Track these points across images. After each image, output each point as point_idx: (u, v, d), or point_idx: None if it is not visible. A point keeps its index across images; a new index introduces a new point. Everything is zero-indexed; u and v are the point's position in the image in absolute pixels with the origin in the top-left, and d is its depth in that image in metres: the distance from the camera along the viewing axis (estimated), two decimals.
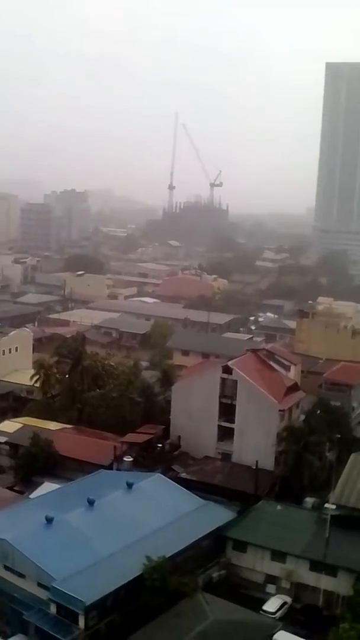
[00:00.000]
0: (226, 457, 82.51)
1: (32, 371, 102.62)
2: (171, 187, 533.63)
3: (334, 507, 64.44)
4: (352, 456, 73.19)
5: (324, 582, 60.09)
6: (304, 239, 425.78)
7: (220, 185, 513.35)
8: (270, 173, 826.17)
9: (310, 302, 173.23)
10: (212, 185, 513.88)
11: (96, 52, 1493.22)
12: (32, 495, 70.95)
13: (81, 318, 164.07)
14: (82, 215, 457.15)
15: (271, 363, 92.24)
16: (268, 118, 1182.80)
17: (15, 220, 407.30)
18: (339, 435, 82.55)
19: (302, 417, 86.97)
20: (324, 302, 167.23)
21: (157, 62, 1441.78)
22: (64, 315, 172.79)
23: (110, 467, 76.67)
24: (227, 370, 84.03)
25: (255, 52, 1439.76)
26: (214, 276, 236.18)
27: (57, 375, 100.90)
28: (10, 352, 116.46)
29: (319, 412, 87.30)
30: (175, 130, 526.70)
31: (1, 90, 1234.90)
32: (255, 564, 63.46)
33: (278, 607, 58.81)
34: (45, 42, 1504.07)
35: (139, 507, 64.64)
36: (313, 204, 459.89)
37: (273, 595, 60.98)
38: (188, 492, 69.10)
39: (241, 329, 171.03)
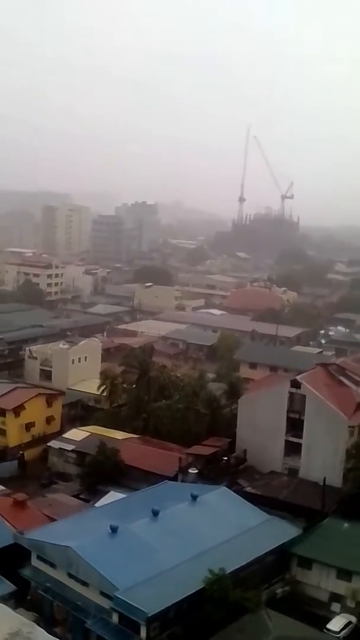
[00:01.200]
0: (293, 472, 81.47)
1: (100, 381, 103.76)
2: (241, 199, 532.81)
3: None
4: None
5: None
6: None
7: (291, 197, 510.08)
8: (342, 184, 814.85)
9: None
10: (284, 197, 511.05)
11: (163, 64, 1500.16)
12: (98, 504, 71.53)
13: (149, 329, 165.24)
14: (152, 227, 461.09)
15: (341, 378, 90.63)
16: (339, 124, 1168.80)
17: (86, 232, 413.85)
18: None
19: None
20: None
21: (226, 71, 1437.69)
22: (132, 326, 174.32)
23: (175, 479, 76.62)
24: (295, 384, 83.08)
25: (327, 56, 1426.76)
26: (283, 288, 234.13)
27: (124, 385, 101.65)
28: (79, 361, 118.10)
29: None
30: (246, 142, 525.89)
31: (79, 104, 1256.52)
32: (321, 582, 62.27)
33: (342, 626, 57.49)
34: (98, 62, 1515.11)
35: (203, 519, 64.23)
36: None
37: (337, 614, 59.68)
38: (253, 506, 68.38)
39: (311, 342, 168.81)
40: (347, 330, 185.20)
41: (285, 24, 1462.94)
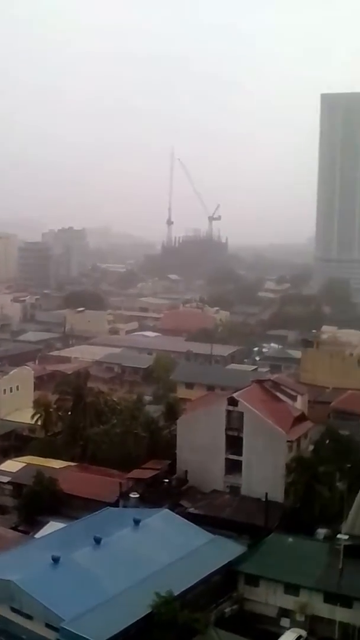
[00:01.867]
0: (235, 490, 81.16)
1: (34, 410, 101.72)
2: (169, 222, 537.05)
3: (346, 537, 63.21)
4: None
5: (340, 614, 58.56)
6: (306, 269, 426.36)
7: (219, 218, 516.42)
8: (269, 204, 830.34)
9: (314, 331, 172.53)
10: (211, 218, 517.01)
11: (88, 89, 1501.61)
12: (37, 535, 69.83)
13: (82, 354, 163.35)
14: (80, 252, 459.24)
15: (277, 394, 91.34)
16: (266, 149, 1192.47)
17: (13, 259, 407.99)
18: (350, 465, 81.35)
19: (311, 447, 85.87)
20: (328, 331, 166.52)
21: (148, 92, 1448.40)
22: (64, 352, 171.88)
23: (116, 505, 75.44)
24: (232, 402, 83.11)
25: (253, 81, 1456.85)
26: (215, 308, 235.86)
27: (59, 413, 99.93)
28: (11, 390, 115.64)
29: (327, 441, 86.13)
30: (171, 165, 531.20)
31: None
32: (268, 598, 61.99)
33: None
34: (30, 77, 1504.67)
35: (147, 543, 63.39)
36: (313, 234, 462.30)
37: (287, 629, 59.46)
38: (197, 527, 67.86)
39: (245, 360, 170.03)
40: (280, 346, 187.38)
41: (199, 45, 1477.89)
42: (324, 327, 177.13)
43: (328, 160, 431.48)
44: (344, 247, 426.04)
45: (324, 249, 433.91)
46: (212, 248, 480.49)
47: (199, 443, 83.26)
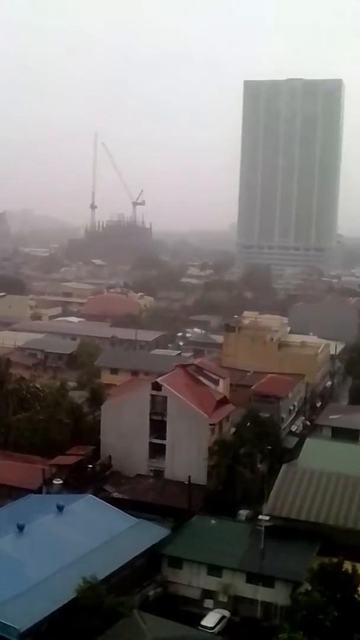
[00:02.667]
0: (158, 474, 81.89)
1: None
2: (93, 207, 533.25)
3: (267, 518, 64.63)
4: (284, 467, 73.67)
5: (262, 594, 59.99)
6: (228, 255, 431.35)
7: (142, 203, 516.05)
8: (192, 190, 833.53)
9: (236, 316, 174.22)
10: (135, 203, 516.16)
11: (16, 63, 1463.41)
12: None
13: (3, 340, 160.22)
14: (1, 237, 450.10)
15: (200, 378, 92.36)
16: (190, 135, 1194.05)
17: None
18: (270, 447, 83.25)
19: (233, 430, 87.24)
20: (249, 316, 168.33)
21: (68, 74, 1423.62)
22: None
23: (39, 491, 74.77)
24: (156, 386, 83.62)
25: (175, 70, 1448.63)
26: (140, 294, 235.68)
27: None
28: None
29: (248, 424, 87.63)
30: (95, 149, 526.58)
31: None
32: (192, 580, 62.85)
33: (217, 621, 58.26)
34: None
35: (71, 529, 63.14)
36: (235, 221, 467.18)
37: (211, 610, 60.45)
38: (120, 511, 68.00)
39: (169, 345, 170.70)
40: (203, 331, 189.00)
41: (124, 23, 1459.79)
42: (246, 313, 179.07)
43: (250, 147, 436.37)
44: (265, 234, 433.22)
45: (245, 235, 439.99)
46: (136, 233, 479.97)
47: (123, 428, 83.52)
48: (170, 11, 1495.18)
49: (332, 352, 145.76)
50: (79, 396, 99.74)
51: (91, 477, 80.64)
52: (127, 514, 67.46)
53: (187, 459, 79.48)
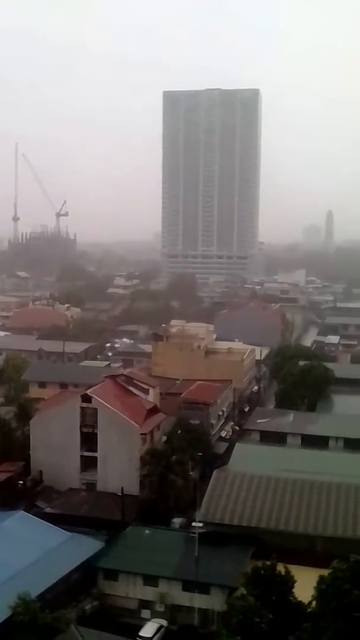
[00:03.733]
0: (91, 486, 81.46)
1: None
2: (15, 218, 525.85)
3: (201, 525, 64.99)
4: (215, 472, 74.45)
5: (198, 601, 60.35)
6: (153, 265, 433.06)
7: (66, 214, 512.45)
8: (116, 201, 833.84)
9: (163, 325, 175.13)
10: (58, 215, 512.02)
11: None
12: None
13: None
14: None
15: (130, 388, 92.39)
16: (113, 146, 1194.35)
17: None
18: (201, 453, 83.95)
19: (164, 438, 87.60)
20: (176, 325, 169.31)
21: None
22: None
23: None
24: (86, 398, 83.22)
25: (100, 79, 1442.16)
26: (66, 305, 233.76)
27: None
28: None
29: (179, 432, 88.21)
30: (16, 161, 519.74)
31: None
32: (128, 591, 62.70)
33: (154, 631, 58.30)
34: None
35: (3, 547, 62.04)
36: (159, 230, 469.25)
37: (148, 620, 60.44)
38: (53, 526, 67.17)
39: (98, 356, 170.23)
40: (132, 341, 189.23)
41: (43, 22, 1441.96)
42: (173, 321, 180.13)
43: (171, 156, 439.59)
44: (189, 243, 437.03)
45: (169, 245, 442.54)
46: (60, 244, 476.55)
47: (53, 442, 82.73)
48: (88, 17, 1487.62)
49: (258, 357, 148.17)
50: (6, 412, 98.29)
51: (22, 493, 79.56)
52: (61, 529, 66.73)
53: (120, 470, 79.36)
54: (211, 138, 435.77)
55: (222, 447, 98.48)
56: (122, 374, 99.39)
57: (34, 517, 69.24)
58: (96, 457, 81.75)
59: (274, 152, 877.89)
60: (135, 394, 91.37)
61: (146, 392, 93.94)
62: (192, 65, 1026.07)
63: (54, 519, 69.38)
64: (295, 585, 51.06)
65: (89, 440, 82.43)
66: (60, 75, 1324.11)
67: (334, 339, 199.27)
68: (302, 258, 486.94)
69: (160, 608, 61.44)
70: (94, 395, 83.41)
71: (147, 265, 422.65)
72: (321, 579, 48.30)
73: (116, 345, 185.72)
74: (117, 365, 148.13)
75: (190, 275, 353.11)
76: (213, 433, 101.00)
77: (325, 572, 49.34)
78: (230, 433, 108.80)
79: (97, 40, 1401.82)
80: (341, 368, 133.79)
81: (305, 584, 49.87)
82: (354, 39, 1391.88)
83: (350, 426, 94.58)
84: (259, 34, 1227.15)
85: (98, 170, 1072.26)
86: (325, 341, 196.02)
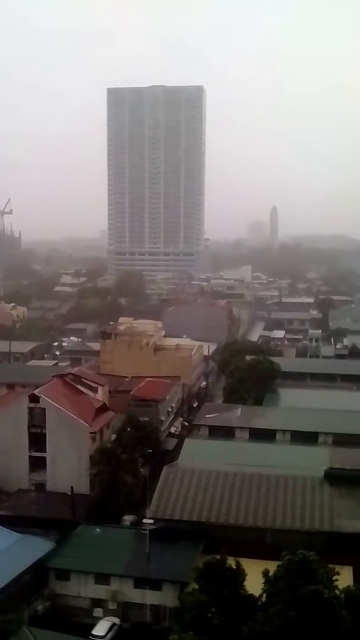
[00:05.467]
0: (40, 487, 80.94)
1: None
2: None
3: (151, 521, 65.27)
4: (165, 469, 74.73)
5: (150, 598, 60.58)
6: (100, 262, 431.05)
7: (10, 212, 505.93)
8: (62, 199, 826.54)
9: (111, 323, 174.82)
10: (2, 212, 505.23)
11: None
12: None
13: None
14: None
15: (78, 387, 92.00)
16: (58, 142, 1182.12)
17: None
18: (151, 450, 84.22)
19: (114, 436, 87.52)
20: (125, 322, 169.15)
21: None
22: None
23: None
24: (34, 398, 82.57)
25: (44, 75, 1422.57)
26: (12, 304, 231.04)
27: None
28: None
29: (129, 429, 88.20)
30: None
31: None
32: (80, 590, 62.55)
33: (107, 630, 58.39)
34: None
35: None
36: (106, 228, 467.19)
37: (101, 618, 60.44)
38: (3, 528, 66.62)
39: (45, 355, 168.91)
40: (80, 339, 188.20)
41: None
42: (121, 319, 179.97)
43: (116, 154, 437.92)
44: (135, 240, 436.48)
45: (116, 242, 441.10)
46: (4, 243, 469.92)
47: (1, 444, 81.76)
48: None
49: (206, 353, 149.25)
50: None
51: None
52: (10, 531, 66.19)
53: (69, 469, 78.97)
54: (156, 135, 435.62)
55: (171, 443, 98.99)
56: (70, 373, 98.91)
57: None
58: (45, 458, 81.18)
59: (220, 149, 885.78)
60: (83, 393, 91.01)
61: (95, 390, 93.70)
62: (137, 63, 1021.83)
63: (3, 521, 68.79)
64: (246, 578, 51.72)
65: (37, 440, 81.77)
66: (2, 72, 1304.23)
67: (279, 333, 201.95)
68: (248, 254, 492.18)
69: (112, 606, 61.47)
70: (41, 395, 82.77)
71: (94, 262, 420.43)
72: (275, 572, 49.18)
73: (64, 344, 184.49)
74: (65, 364, 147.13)
75: (138, 272, 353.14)
76: (163, 429, 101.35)
77: (274, 564, 50.28)
78: (180, 429, 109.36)
79: (41, 37, 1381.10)
80: (287, 362, 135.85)
81: (256, 576, 50.62)
82: (299, 37, 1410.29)
83: (297, 419, 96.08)
84: (206, 33, 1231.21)
85: (43, 167, 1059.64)
86: (271, 336, 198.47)
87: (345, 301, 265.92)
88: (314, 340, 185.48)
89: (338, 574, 50.39)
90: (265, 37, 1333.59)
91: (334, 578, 49.55)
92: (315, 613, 46.06)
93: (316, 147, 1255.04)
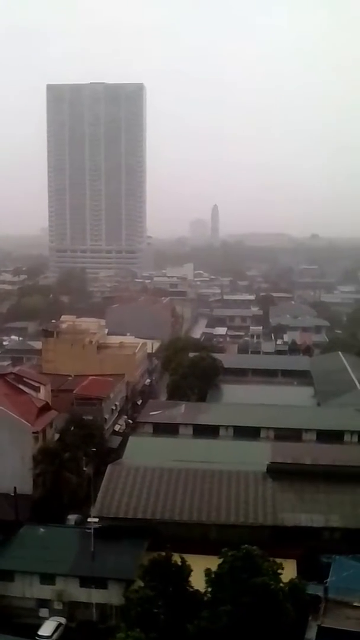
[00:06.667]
0: None
1: None
2: None
3: (96, 520, 65.19)
4: (109, 467, 74.65)
5: (96, 596, 60.42)
6: (41, 260, 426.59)
7: None
8: (0, 195, 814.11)
9: (53, 321, 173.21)
10: None
11: None
12: None
13: None
14: None
15: (20, 386, 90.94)
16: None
17: None
18: (95, 449, 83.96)
19: (57, 436, 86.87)
20: (67, 320, 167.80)
21: None
22: None
23: None
24: None
25: None
26: None
27: None
28: None
29: (72, 428, 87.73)
30: None
31: None
32: (25, 591, 61.86)
33: (53, 629, 58.04)
34: None
35: None
36: (47, 225, 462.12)
37: (47, 618, 59.99)
38: None
39: None
40: (21, 338, 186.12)
41: None
42: (63, 317, 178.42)
43: (56, 150, 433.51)
44: (77, 238, 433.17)
45: (57, 239, 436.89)
46: None
47: None
48: None
49: (149, 350, 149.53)
50: None
51: None
52: None
53: (12, 470, 77.79)
54: (96, 131, 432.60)
55: (116, 441, 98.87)
56: (11, 372, 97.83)
57: None
58: None
59: (161, 147, 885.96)
60: (25, 392, 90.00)
61: (37, 389, 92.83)
62: (77, 60, 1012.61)
63: None
64: (191, 574, 52.10)
65: None
66: None
67: (221, 330, 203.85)
68: (190, 252, 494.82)
69: (58, 606, 61.12)
70: None
71: (35, 260, 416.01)
72: (218, 568, 49.70)
73: (4, 343, 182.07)
74: (5, 363, 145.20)
75: (80, 269, 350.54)
76: (107, 428, 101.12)
77: (218, 559, 50.83)
78: (124, 427, 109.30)
79: None
80: (229, 358, 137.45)
81: (201, 572, 51.06)
82: (240, 33, 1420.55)
83: (239, 414, 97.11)
84: (148, 31, 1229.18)
85: None
86: (214, 333, 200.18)
87: (285, 298, 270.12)
88: (255, 337, 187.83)
89: (282, 567, 51.26)
90: (207, 34, 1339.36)
91: (278, 571, 50.38)
92: (262, 606, 46.71)
93: (257, 147, 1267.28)
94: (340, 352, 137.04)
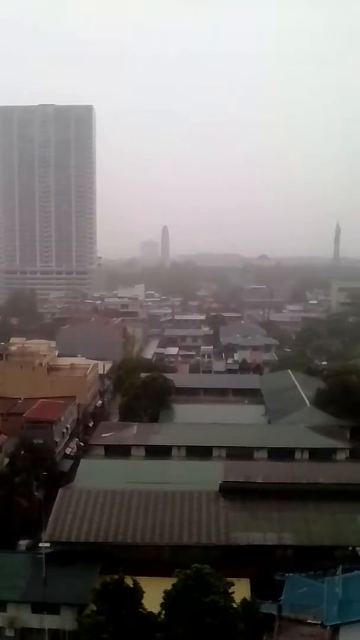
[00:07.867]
0: None
1: None
2: None
3: (48, 545, 64.30)
4: (60, 490, 73.73)
5: (49, 622, 59.35)
6: None
7: None
8: None
9: (2, 343, 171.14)
10: None
11: None
12: None
13: None
14: None
15: None
16: None
17: None
18: (45, 472, 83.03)
19: (7, 460, 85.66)
20: (16, 342, 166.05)
21: None
22: None
23: None
24: None
25: None
26: None
27: None
28: None
29: (22, 452, 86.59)
30: None
31: None
32: None
33: None
34: None
35: None
36: None
37: None
38: None
39: None
40: None
41: None
42: (12, 339, 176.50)
43: (5, 172, 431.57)
44: (27, 259, 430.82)
45: (7, 260, 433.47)
46: None
47: None
48: None
49: (101, 371, 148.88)
50: None
51: None
52: None
53: None
54: (46, 153, 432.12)
55: (67, 465, 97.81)
56: None
57: None
58: None
59: (111, 169, 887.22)
60: None
61: None
62: (27, 81, 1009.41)
63: None
64: (144, 596, 51.77)
65: None
66: None
67: (173, 350, 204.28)
68: (141, 273, 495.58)
69: (10, 633, 59.88)
70: None
71: None
72: (171, 589, 49.50)
73: None
74: None
75: (30, 291, 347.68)
76: (58, 451, 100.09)
77: (173, 580, 50.64)
78: (76, 449, 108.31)
79: None
80: (181, 378, 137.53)
81: (154, 594, 50.78)
82: (190, 56, 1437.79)
83: (191, 434, 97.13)
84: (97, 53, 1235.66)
85: None
86: (165, 353, 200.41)
87: (234, 317, 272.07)
88: (206, 356, 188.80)
89: (233, 585, 51.34)
90: (156, 61, 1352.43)
91: (230, 590, 50.43)
92: (214, 625, 46.66)
93: (207, 170, 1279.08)
94: (289, 370, 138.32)
